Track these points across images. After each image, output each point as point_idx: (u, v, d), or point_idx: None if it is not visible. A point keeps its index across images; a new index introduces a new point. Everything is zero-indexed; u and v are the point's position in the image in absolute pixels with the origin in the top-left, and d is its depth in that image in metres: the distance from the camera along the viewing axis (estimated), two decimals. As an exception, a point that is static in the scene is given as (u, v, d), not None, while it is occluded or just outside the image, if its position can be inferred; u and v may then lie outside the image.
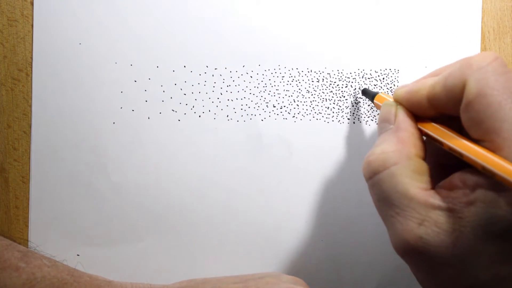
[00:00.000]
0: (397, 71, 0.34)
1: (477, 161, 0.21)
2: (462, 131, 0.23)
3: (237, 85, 0.33)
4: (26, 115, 0.31)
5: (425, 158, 0.25)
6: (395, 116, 0.26)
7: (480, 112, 0.21)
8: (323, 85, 0.33)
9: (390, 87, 0.33)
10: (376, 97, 0.30)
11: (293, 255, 0.33)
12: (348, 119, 0.33)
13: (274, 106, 0.33)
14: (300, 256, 0.33)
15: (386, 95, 0.29)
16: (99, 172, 0.31)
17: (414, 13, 0.34)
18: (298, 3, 0.33)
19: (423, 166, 0.24)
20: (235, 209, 0.33)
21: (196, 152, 0.32)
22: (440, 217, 0.22)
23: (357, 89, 0.33)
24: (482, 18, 0.34)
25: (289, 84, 0.33)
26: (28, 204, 0.31)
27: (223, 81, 0.32)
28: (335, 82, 0.33)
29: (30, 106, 0.31)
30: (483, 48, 0.34)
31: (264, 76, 0.33)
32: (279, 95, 0.33)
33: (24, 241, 0.31)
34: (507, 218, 0.20)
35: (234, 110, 0.33)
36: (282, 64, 0.33)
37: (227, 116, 0.33)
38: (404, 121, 0.25)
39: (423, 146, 0.25)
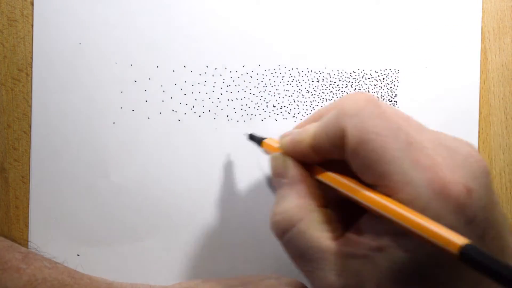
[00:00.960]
0: (397, 71, 0.34)
1: (374, 209, 0.20)
2: (353, 175, 0.22)
3: (237, 85, 0.33)
4: (26, 115, 0.31)
5: (327, 205, 0.24)
6: (286, 169, 0.25)
7: (365, 158, 0.21)
8: (323, 85, 0.33)
9: (390, 87, 0.33)
10: (262, 143, 0.29)
11: (293, 255, 0.33)
12: (348, 119, 0.33)
13: (274, 106, 0.33)
14: (300, 256, 0.33)
15: (272, 141, 0.28)
16: (99, 172, 0.31)
17: (414, 13, 0.34)
18: (298, 3, 0.33)
19: (328, 214, 0.23)
20: (235, 209, 0.33)
21: (196, 152, 0.32)
22: (356, 265, 0.21)
23: (245, 134, 0.32)
24: (482, 18, 0.34)
25: (289, 84, 0.33)
26: (28, 204, 0.31)
27: (223, 81, 0.32)
28: (335, 82, 0.33)
29: (30, 106, 0.31)
30: (483, 48, 0.34)
31: (264, 76, 0.33)
32: (279, 95, 0.33)
33: (24, 241, 0.31)
34: (416, 260, 0.20)
35: (234, 110, 0.33)
36: (282, 64, 0.33)
37: (227, 116, 0.33)
38: (296, 173, 0.24)
39: (322, 194, 0.24)
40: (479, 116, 0.34)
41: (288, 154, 0.25)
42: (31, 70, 0.31)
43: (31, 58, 0.31)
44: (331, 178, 0.23)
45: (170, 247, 0.32)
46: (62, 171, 0.31)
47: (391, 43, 0.34)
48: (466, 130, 0.34)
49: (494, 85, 0.34)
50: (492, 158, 0.34)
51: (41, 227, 0.31)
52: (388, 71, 0.33)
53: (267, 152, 0.28)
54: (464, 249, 0.17)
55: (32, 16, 0.31)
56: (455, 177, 0.20)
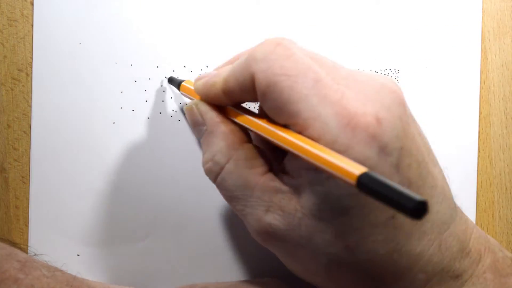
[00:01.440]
0: (397, 71, 0.34)
1: (283, 146, 0.21)
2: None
3: (237, 85, 0.33)
4: (26, 115, 0.31)
5: (251, 141, 0.25)
6: (203, 115, 0.25)
7: (275, 100, 0.21)
8: (323, 85, 0.33)
9: (390, 87, 0.33)
10: (181, 86, 0.29)
11: (293, 255, 0.33)
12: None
13: (274, 106, 0.33)
14: (300, 256, 0.33)
15: (190, 83, 0.28)
16: (99, 172, 0.31)
17: (414, 13, 0.34)
18: (298, 3, 0.33)
19: (253, 150, 0.24)
20: (235, 209, 0.33)
21: (196, 152, 0.32)
22: (282, 201, 0.22)
23: (165, 78, 0.32)
24: (482, 18, 0.34)
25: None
26: (28, 204, 0.31)
27: (223, 81, 0.32)
28: (335, 82, 0.33)
29: (30, 106, 0.31)
30: (483, 48, 0.34)
31: (264, 76, 0.33)
32: (279, 95, 0.33)
33: (24, 241, 0.31)
34: (330, 194, 0.20)
35: (234, 110, 0.33)
36: (282, 64, 0.33)
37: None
38: (213, 117, 0.25)
39: (244, 130, 0.25)
40: (479, 116, 0.34)
41: (201, 98, 0.26)
42: (31, 70, 0.31)
43: (31, 58, 0.31)
44: (244, 119, 0.24)
45: (170, 247, 0.32)
46: (62, 171, 0.31)
47: (391, 43, 0.33)
48: (466, 131, 0.34)
49: (494, 85, 0.34)
50: (492, 158, 0.34)
51: (41, 227, 0.31)
52: (388, 71, 0.33)
53: (185, 95, 0.29)
54: (360, 178, 0.17)
55: (32, 16, 0.31)
56: (365, 108, 0.20)
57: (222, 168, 0.24)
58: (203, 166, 0.25)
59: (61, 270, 0.27)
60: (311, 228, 0.21)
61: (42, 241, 0.31)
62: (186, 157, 0.32)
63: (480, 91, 0.34)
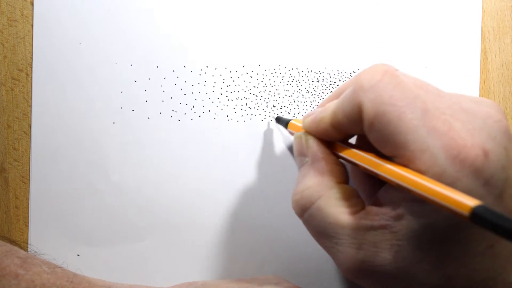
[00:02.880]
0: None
1: (391, 179, 0.21)
2: (373, 148, 0.23)
3: (237, 85, 0.33)
4: (26, 115, 0.31)
5: (348, 181, 0.25)
6: (307, 148, 0.25)
7: (382, 131, 0.21)
8: (323, 85, 0.33)
9: (390, 87, 0.33)
10: (289, 125, 0.30)
11: (294, 256, 0.33)
12: (348, 119, 0.33)
13: (274, 106, 0.33)
14: (301, 256, 0.33)
15: (297, 122, 0.29)
16: (99, 172, 0.31)
17: (414, 13, 0.34)
18: (298, 3, 0.33)
19: (347, 190, 0.24)
20: (235, 209, 0.33)
21: (196, 152, 0.32)
22: (375, 237, 0.22)
23: (271, 119, 0.32)
24: (482, 18, 0.34)
25: (289, 84, 0.33)
26: (28, 204, 0.31)
27: (223, 81, 0.32)
28: (335, 82, 0.33)
29: (30, 106, 0.31)
30: (483, 48, 0.34)
31: (264, 76, 0.33)
32: (279, 95, 0.33)
33: (24, 242, 0.31)
34: (433, 225, 0.20)
35: (234, 110, 0.33)
36: (282, 64, 0.33)
37: (227, 116, 0.33)
38: (317, 151, 0.25)
39: (343, 170, 0.25)
40: (479, 116, 0.34)
41: (310, 134, 0.26)
42: (31, 70, 0.31)
43: (31, 58, 0.31)
44: (350, 153, 0.24)
45: (170, 247, 0.32)
46: (62, 171, 0.31)
47: (391, 43, 0.33)
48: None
49: (494, 85, 0.34)
50: (492, 158, 0.34)
51: (41, 227, 0.31)
52: (388, 71, 0.33)
53: (292, 134, 0.29)
54: (474, 210, 0.17)
55: (32, 16, 0.31)
56: (472, 140, 0.20)
57: (312, 204, 0.24)
58: (293, 196, 0.25)
59: (61, 267, 0.27)
60: (409, 260, 0.21)
61: (42, 241, 0.31)
62: (186, 157, 0.32)
63: (480, 91, 0.34)
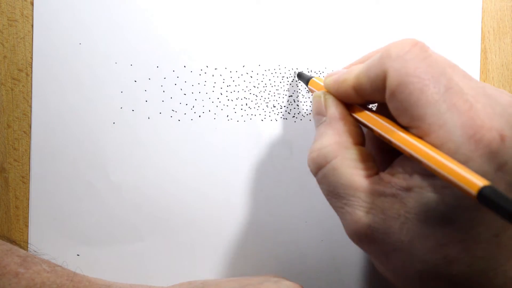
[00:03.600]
0: (397, 71, 0.33)
1: (404, 149, 0.21)
2: (392, 117, 0.23)
3: (237, 85, 0.33)
4: (26, 115, 0.31)
5: (364, 143, 0.25)
6: (326, 107, 0.26)
7: (403, 101, 0.21)
8: (323, 85, 0.33)
9: (390, 87, 0.33)
10: (310, 82, 0.29)
11: (293, 256, 0.33)
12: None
13: (274, 106, 0.33)
14: (300, 256, 0.33)
15: (318, 80, 0.28)
16: (99, 172, 0.31)
17: (414, 13, 0.34)
18: (298, 3, 0.33)
19: (364, 153, 0.24)
20: (235, 209, 0.33)
21: (196, 152, 0.32)
22: (385, 204, 0.22)
23: (295, 72, 0.32)
24: (482, 18, 0.34)
25: (289, 84, 0.33)
26: (28, 204, 0.31)
27: (223, 81, 0.32)
28: (335, 82, 0.33)
29: (30, 106, 0.31)
30: (483, 48, 0.34)
31: (264, 76, 0.33)
32: (279, 95, 0.33)
33: (24, 242, 0.31)
34: (442, 203, 0.20)
35: (234, 110, 0.33)
36: (282, 64, 0.33)
37: (227, 116, 0.33)
38: (336, 112, 0.25)
39: (360, 132, 0.25)
40: (479, 116, 0.34)
41: (330, 93, 0.26)
42: (31, 70, 0.31)
43: (31, 58, 0.31)
44: (367, 117, 0.24)
45: (170, 247, 0.32)
46: (62, 171, 0.31)
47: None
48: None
49: (494, 85, 0.34)
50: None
51: (41, 227, 0.31)
52: (388, 71, 0.33)
53: (312, 91, 0.29)
54: (482, 190, 0.17)
55: (32, 16, 0.31)
56: (491, 123, 0.20)
57: (327, 163, 0.24)
58: (309, 154, 0.25)
59: (61, 266, 0.27)
60: (413, 233, 0.21)
61: (42, 241, 0.31)
62: (186, 157, 0.32)
63: (480, 91, 0.34)
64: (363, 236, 0.23)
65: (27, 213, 0.31)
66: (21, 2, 0.31)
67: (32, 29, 0.31)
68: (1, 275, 0.24)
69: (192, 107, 0.32)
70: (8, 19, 0.31)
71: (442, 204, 0.20)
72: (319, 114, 0.26)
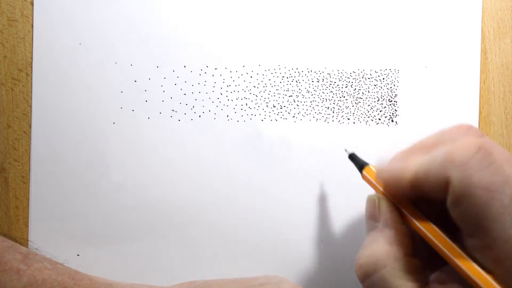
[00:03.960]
0: (397, 71, 0.33)
1: (473, 279, 0.21)
2: (444, 214, 0.22)
3: (237, 85, 0.33)
4: (26, 115, 0.31)
5: (414, 253, 0.24)
6: (380, 213, 0.25)
7: (467, 212, 0.21)
8: (323, 85, 0.33)
9: (390, 87, 0.33)
10: (364, 169, 0.28)
11: (293, 256, 0.33)
12: (348, 119, 0.33)
13: (274, 106, 0.33)
14: (300, 256, 0.33)
15: (372, 171, 0.28)
16: (99, 172, 0.31)
17: (414, 13, 0.34)
18: (298, 3, 0.33)
19: (413, 264, 0.24)
20: (235, 209, 0.33)
21: (196, 152, 0.32)
22: None
23: (346, 150, 0.31)
24: (482, 18, 0.34)
25: (289, 84, 0.33)
26: (28, 204, 0.31)
27: (223, 81, 0.32)
28: (335, 82, 0.33)
29: (30, 106, 0.31)
30: (483, 48, 0.34)
31: (264, 76, 0.33)
32: (279, 95, 0.33)
33: (24, 241, 0.31)
34: None
35: (234, 110, 0.33)
36: (282, 64, 0.33)
37: (227, 116, 0.33)
38: (389, 219, 0.25)
39: (411, 242, 0.25)
40: (479, 116, 0.34)
41: (385, 189, 0.25)
42: (31, 70, 0.31)
43: (31, 58, 0.31)
44: (429, 228, 0.23)
45: (170, 247, 0.32)
46: (62, 171, 0.31)
47: (391, 43, 0.33)
48: (466, 130, 0.34)
49: (494, 85, 0.34)
50: (492, 158, 0.34)
51: (41, 227, 0.31)
52: (388, 71, 0.33)
53: (366, 178, 0.28)
54: None
55: (32, 16, 0.31)
56: None
57: (376, 272, 0.23)
58: (357, 259, 0.25)
59: (62, 264, 0.27)
60: None
61: (42, 241, 0.31)
62: (186, 157, 0.32)
63: (480, 91, 0.34)
64: None
65: (27, 213, 0.31)
66: (21, 2, 0.31)
67: (32, 29, 0.31)
68: (3, 272, 0.24)
69: (192, 107, 0.32)
70: (8, 19, 0.31)
71: None
72: (372, 219, 0.26)
